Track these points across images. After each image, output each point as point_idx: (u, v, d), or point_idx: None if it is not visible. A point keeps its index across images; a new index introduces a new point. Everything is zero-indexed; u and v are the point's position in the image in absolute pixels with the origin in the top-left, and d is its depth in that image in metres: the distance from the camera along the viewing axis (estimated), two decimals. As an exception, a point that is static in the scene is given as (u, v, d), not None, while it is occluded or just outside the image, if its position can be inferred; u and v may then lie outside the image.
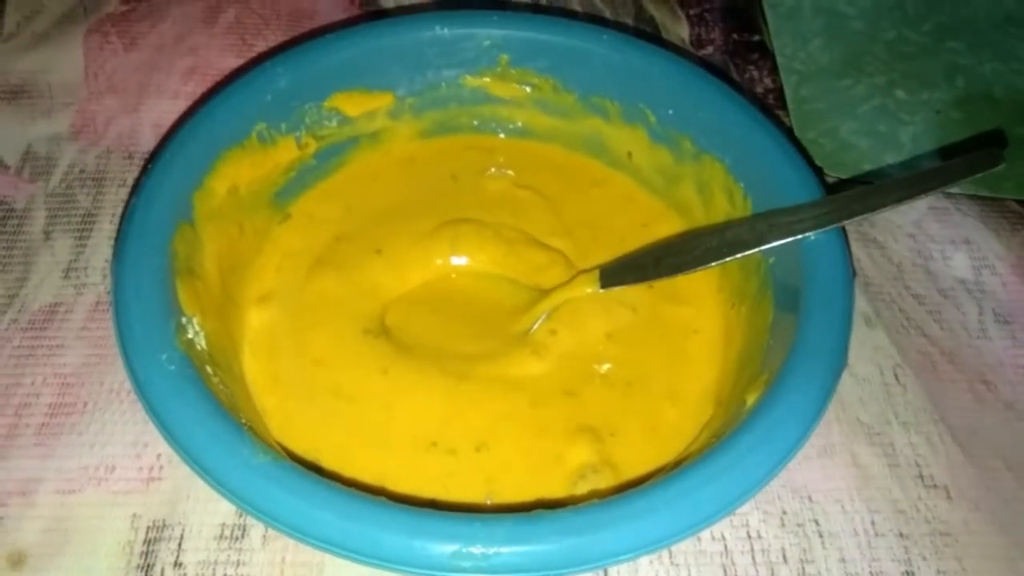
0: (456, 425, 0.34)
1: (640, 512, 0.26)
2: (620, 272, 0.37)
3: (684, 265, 0.35)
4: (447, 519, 0.26)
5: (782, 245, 0.33)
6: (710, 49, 0.51)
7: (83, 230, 0.41)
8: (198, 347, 0.31)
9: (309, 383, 0.35)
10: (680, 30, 0.52)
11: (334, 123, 0.40)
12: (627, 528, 0.26)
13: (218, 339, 0.33)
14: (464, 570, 0.25)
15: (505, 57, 0.41)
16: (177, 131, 0.35)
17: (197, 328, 0.31)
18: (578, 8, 0.53)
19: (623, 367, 0.36)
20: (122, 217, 0.38)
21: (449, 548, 0.25)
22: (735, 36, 0.52)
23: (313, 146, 0.40)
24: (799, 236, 0.32)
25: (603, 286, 0.36)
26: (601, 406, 0.35)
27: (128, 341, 0.29)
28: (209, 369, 0.30)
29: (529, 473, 0.33)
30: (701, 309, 0.38)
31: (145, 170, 0.35)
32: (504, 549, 0.25)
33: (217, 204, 0.35)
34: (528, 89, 0.42)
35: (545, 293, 0.37)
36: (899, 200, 0.32)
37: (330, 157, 0.41)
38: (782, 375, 0.29)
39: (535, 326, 0.37)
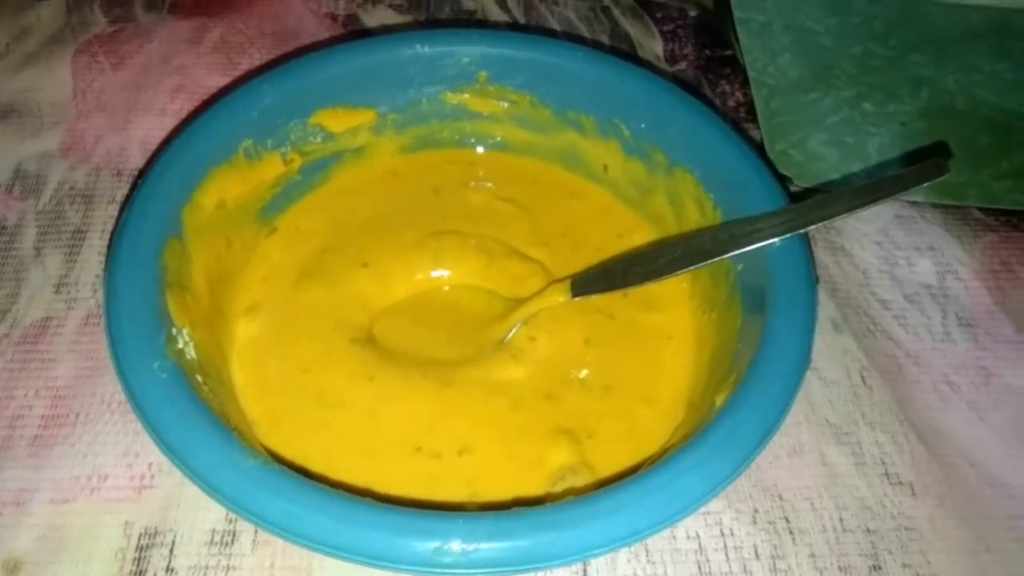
0: (440, 430, 0.35)
1: (614, 507, 0.27)
2: (591, 282, 0.38)
3: (651, 274, 0.36)
4: (429, 517, 0.27)
5: (747, 253, 0.34)
6: (683, 64, 0.53)
7: (73, 246, 0.42)
8: (188, 356, 0.32)
9: (297, 391, 0.35)
10: (655, 46, 0.54)
11: (318, 139, 0.41)
12: (602, 522, 0.27)
13: (207, 349, 0.33)
14: (446, 565, 0.26)
15: (484, 74, 0.42)
16: (165, 148, 0.36)
17: (187, 338, 0.32)
18: (556, 26, 0.55)
19: (600, 372, 0.37)
20: (113, 232, 0.39)
21: (431, 545, 0.26)
22: (707, 52, 0.54)
23: (298, 161, 0.41)
24: (758, 244, 0.34)
25: (574, 295, 0.37)
26: (579, 409, 0.36)
27: (120, 351, 0.30)
28: (199, 377, 0.31)
29: (510, 475, 0.34)
30: (675, 316, 0.39)
31: (135, 186, 0.36)
32: (484, 545, 0.26)
33: (205, 218, 0.36)
34: (506, 105, 0.43)
35: (520, 302, 0.39)
36: (852, 208, 0.34)
37: (315, 172, 0.42)
38: (747, 376, 0.30)
39: (510, 334, 0.38)
